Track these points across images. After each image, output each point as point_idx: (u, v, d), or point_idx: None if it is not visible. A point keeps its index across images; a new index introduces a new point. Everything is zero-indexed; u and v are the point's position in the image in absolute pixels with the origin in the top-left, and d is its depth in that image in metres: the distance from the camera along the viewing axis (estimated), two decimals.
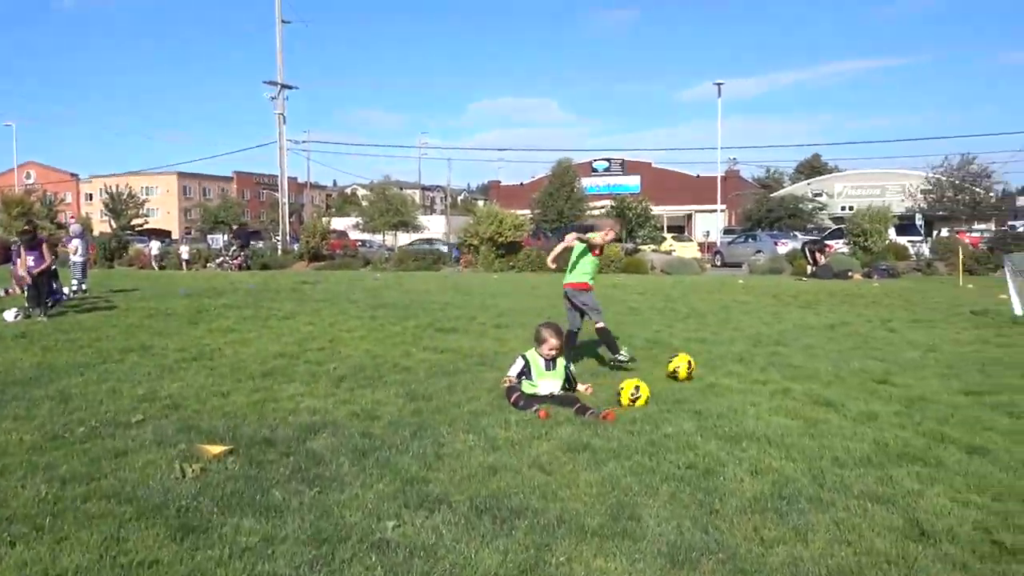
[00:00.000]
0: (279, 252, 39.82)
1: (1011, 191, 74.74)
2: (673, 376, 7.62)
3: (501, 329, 11.55)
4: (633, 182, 66.03)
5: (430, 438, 5.59)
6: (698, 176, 64.38)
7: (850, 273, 25.86)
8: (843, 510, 4.23)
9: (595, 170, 68.58)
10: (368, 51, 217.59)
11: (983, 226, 46.60)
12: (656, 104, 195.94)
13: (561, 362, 6.99)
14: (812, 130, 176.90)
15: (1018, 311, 12.75)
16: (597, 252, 8.46)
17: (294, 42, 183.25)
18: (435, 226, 69.78)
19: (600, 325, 8.28)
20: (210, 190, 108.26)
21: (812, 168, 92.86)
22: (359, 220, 60.64)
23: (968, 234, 39.39)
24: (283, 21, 42.60)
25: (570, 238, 8.56)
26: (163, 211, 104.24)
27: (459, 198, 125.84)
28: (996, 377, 7.83)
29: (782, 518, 4.12)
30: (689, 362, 7.73)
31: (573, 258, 8.52)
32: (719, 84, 47.47)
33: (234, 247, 36.49)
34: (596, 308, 8.33)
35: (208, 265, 36.06)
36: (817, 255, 26.80)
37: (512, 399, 6.60)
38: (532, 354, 6.97)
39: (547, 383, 6.84)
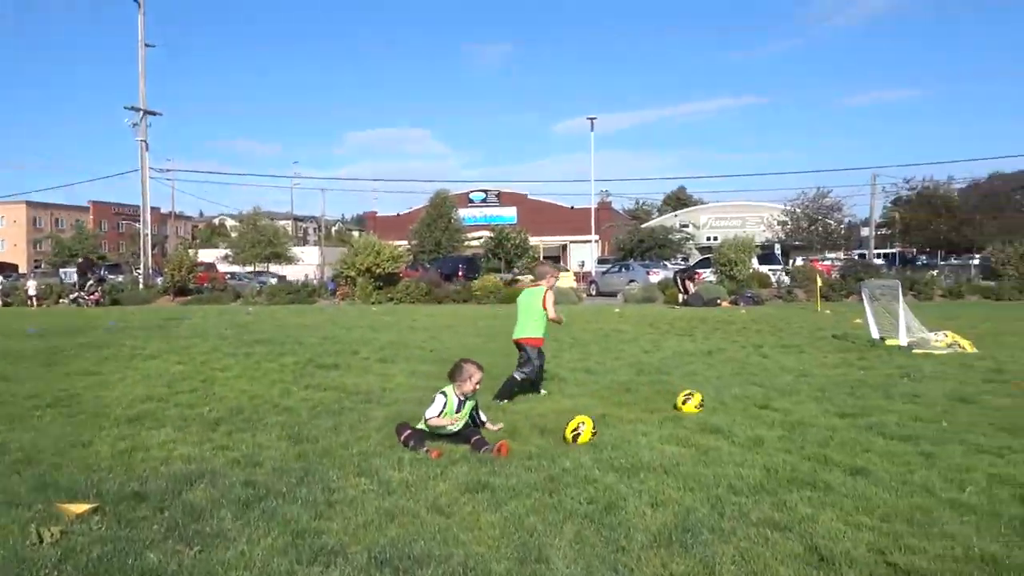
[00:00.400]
0: (141, 286, 37.69)
1: (856, 222, 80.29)
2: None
3: (386, 364, 11.25)
4: (509, 213, 66.80)
5: (319, 484, 5.28)
6: (572, 208, 65.86)
7: (719, 301, 26.93)
8: (745, 539, 4.25)
9: (472, 201, 68.98)
10: (239, 79, 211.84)
11: (834, 255, 49.85)
12: (530, 137, 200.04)
13: (471, 403, 6.76)
14: (678, 164, 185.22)
15: (875, 335, 13.55)
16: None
17: (162, 68, 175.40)
18: (309, 257, 68.17)
19: (520, 377, 8.39)
20: (64, 221, 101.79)
21: (679, 200, 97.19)
22: (228, 252, 58.40)
23: (821, 262, 41.97)
24: (146, 45, 40.78)
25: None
26: (9, 243, 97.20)
27: (333, 229, 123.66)
28: (864, 399, 8.23)
29: (687, 551, 4.09)
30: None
31: (524, 312, 8.67)
32: (592, 119, 48.91)
33: (91, 281, 34.25)
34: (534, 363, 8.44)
35: (61, 301, 33.67)
36: (688, 283, 27.83)
37: (403, 438, 6.35)
38: (450, 391, 6.70)
39: (453, 424, 6.64)
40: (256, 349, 13.03)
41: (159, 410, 7.84)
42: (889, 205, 66.22)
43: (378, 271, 31.05)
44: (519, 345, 8.63)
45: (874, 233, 61.80)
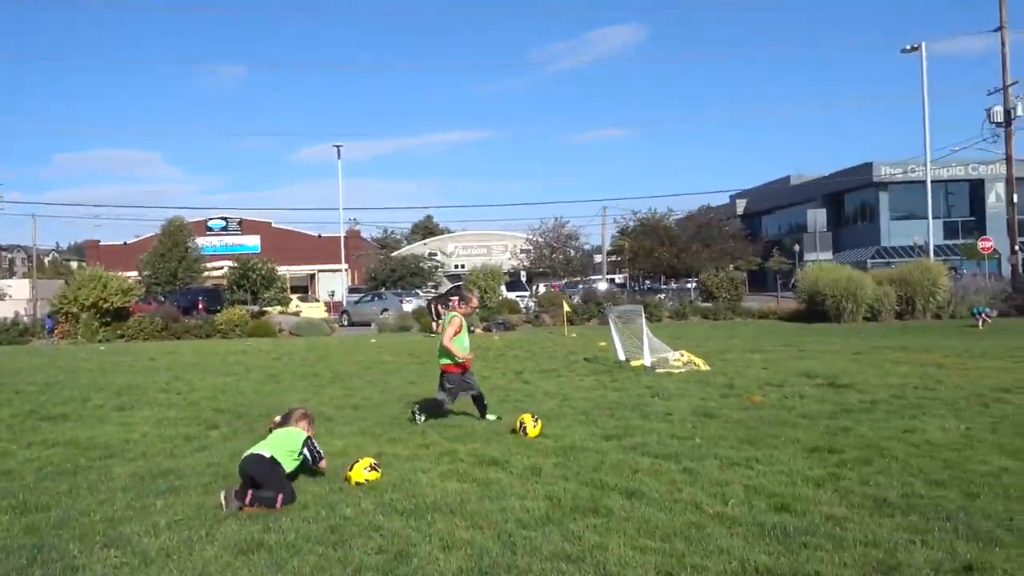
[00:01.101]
0: None
1: (589, 250, 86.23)
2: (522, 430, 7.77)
3: (125, 411, 10.08)
4: (252, 242, 63.79)
5: (58, 562, 4.51)
6: (320, 236, 64.39)
7: (472, 328, 27.49)
8: (540, 574, 4.21)
9: (210, 229, 64.98)
10: None
11: (566, 279, 53.21)
12: (272, 163, 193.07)
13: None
14: (424, 193, 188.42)
15: (620, 356, 14.46)
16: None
17: None
18: (17, 291, 60.25)
19: (441, 398, 8.77)
20: None
21: (426, 229, 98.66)
22: None
23: (558, 288, 44.50)
24: None
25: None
26: None
27: (47, 259, 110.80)
28: (624, 420, 8.67)
29: None
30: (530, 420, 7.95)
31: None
32: (338, 146, 48.19)
33: None
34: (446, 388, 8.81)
35: None
36: (442, 310, 28.12)
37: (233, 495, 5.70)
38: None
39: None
40: None
41: None
42: (616, 235, 72.09)
43: (105, 306, 28.09)
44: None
45: (606, 260, 66.87)
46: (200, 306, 34.53)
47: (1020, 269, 34.98)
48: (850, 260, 36.97)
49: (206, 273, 46.53)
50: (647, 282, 57.22)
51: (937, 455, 6.58)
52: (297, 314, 35.86)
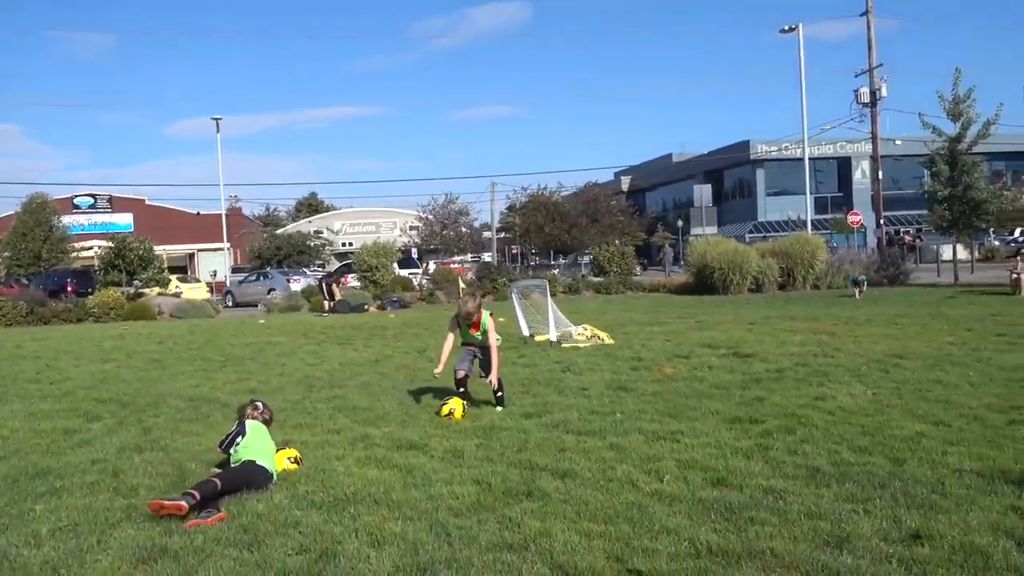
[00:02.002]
0: None
1: (478, 227, 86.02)
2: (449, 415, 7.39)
3: None
4: (125, 220, 60.03)
5: None
6: (198, 213, 61.37)
7: (366, 306, 26.79)
8: (486, 568, 3.90)
9: (77, 207, 60.73)
10: None
11: (463, 257, 52.86)
12: (142, 138, 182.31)
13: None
14: (306, 169, 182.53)
15: (525, 332, 14.27)
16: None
17: None
18: None
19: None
20: None
21: (310, 206, 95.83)
22: None
23: (451, 265, 44.11)
24: None
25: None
26: None
27: None
28: (540, 396, 8.45)
29: None
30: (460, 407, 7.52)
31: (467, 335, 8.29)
32: (217, 119, 45.92)
33: None
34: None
35: None
36: (334, 287, 27.23)
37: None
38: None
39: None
40: None
41: None
42: (505, 212, 72.21)
43: None
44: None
45: (495, 236, 66.82)
46: (69, 289, 32.21)
47: (885, 242, 37.17)
48: (730, 235, 38.17)
49: (75, 254, 43.50)
50: (535, 258, 57.56)
51: (854, 421, 6.66)
52: (177, 295, 34.01)
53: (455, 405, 7.48)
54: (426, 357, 12.25)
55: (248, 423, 5.72)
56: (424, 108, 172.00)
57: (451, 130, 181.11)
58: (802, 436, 6.22)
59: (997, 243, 45.15)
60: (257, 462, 5.37)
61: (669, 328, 15.30)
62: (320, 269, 48.61)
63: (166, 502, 4.74)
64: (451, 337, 8.31)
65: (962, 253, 30.28)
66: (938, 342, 11.37)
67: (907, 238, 47.24)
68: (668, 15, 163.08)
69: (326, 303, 26.46)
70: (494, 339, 8.06)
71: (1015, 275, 20.19)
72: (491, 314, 8.27)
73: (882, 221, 39.79)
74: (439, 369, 8.16)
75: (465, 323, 8.17)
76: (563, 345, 12.88)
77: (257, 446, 5.53)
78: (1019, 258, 20.77)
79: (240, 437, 5.53)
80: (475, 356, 8.17)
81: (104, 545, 4.39)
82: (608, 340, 13.20)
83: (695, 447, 6.02)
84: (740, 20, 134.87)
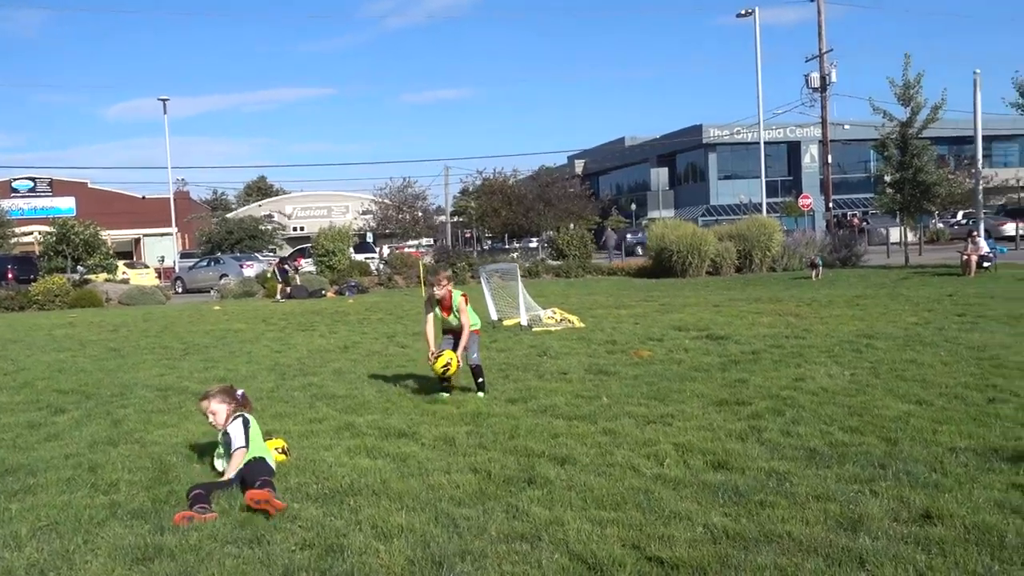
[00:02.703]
0: None
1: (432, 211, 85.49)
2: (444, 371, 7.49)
3: None
4: (67, 204, 58.09)
5: None
6: (144, 197, 59.71)
7: (323, 292, 26.38)
8: (503, 559, 3.79)
9: (16, 190, 58.66)
10: None
11: (425, 241, 52.40)
12: (82, 119, 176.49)
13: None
14: (254, 152, 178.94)
15: (493, 316, 14.15)
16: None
17: None
18: None
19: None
20: None
21: (260, 190, 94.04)
22: None
23: (407, 249, 43.65)
24: None
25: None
26: None
27: None
28: (521, 381, 8.35)
29: None
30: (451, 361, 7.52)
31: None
32: (164, 100, 44.55)
33: None
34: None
35: None
36: (289, 272, 26.68)
37: (191, 495, 4.74)
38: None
39: (223, 463, 5.31)
40: None
41: None
42: (458, 195, 71.72)
43: None
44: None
45: (450, 221, 66.38)
46: (9, 276, 31.05)
47: (834, 225, 37.89)
48: (683, 218, 38.56)
49: (15, 239, 41.95)
50: (488, 242, 57.35)
51: (839, 402, 6.70)
52: (125, 282, 33.06)
53: (450, 357, 7.46)
54: (396, 343, 12.08)
55: (250, 417, 5.44)
56: (375, 91, 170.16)
57: (403, 113, 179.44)
58: (792, 417, 6.23)
59: (941, 226, 46.36)
60: (265, 460, 5.16)
61: (636, 311, 15.33)
62: (272, 254, 47.71)
63: (196, 514, 4.48)
64: (431, 319, 8.07)
65: (908, 235, 30.93)
66: (903, 322, 11.58)
67: (855, 221, 48.21)
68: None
69: (281, 288, 25.93)
70: (467, 320, 7.76)
71: (965, 256, 20.71)
72: (463, 296, 7.92)
73: (831, 204, 40.63)
74: (433, 349, 7.78)
75: (437, 306, 7.92)
76: (534, 329, 12.81)
77: (259, 441, 5.33)
78: (969, 240, 21.28)
79: (248, 430, 5.28)
80: (454, 345, 7.86)
81: (92, 545, 4.18)
82: (579, 324, 13.16)
83: (688, 430, 5.99)
84: (688, 5, 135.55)
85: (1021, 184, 53.07)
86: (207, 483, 4.95)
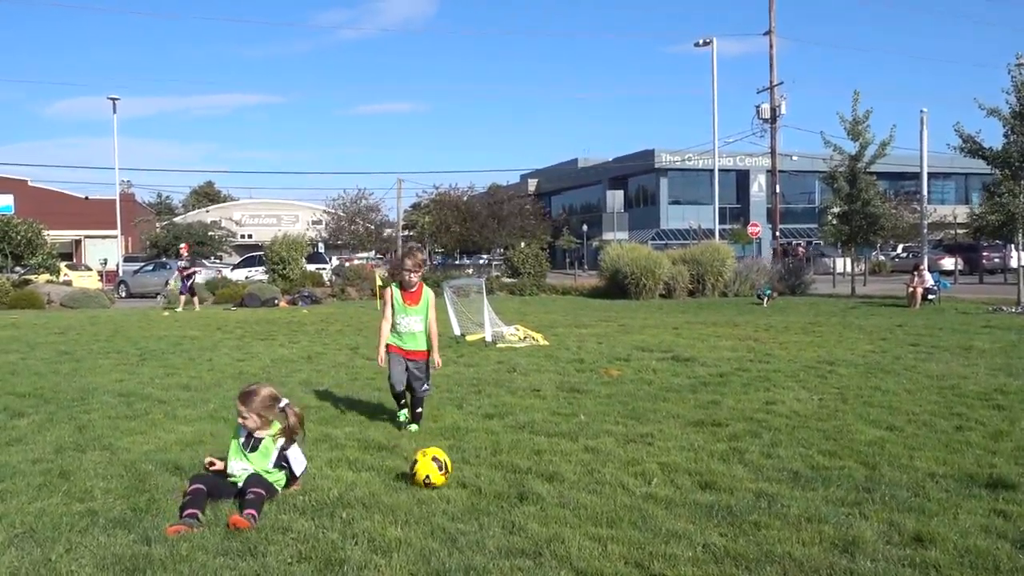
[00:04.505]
0: None
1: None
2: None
3: None
4: (4, 202, 56.21)
5: None
6: (87, 198, 58.14)
7: (276, 301, 25.96)
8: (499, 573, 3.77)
9: None
10: None
11: (367, 254, 52.00)
12: (18, 116, 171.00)
13: (271, 443, 5.03)
14: (201, 157, 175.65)
15: (456, 331, 14.09)
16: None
17: None
18: None
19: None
20: None
21: (207, 195, 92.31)
22: None
23: (357, 261, 43.24)
24: None
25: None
26: None
27: None
28: (494, 397, 8.31)
29: None
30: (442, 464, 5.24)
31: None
32: (114, 99, 43.51)
33: None
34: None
35: None
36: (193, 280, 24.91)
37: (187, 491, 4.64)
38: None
39: (239, 465, 4.96)
40: None
41: None
42: (409, 209, 71.45)
43: None
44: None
45: (401, 235, 66.07)
46: None
47: (781, 253, 38.81)
48: (634, 241, 39.06)
49: None
50: (439, 257, 57.20)
51: (812, 426, 6.83)
52: (67, 284, 32.03)
53: (428, 471, 5.12)
54: (360, 355, 11.94)
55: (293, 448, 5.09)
56: (326, 100, 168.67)
57: (355, 125, 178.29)
58: (770, 440, 6.33)
59: (883, 257, 47.84)
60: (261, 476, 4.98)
61: (597, 331, 15.43)
62: (218, 261, 46.73)
63: (186, 527, 4.33)
64: (389, 314, 6.91)
65: (853, 266, 31.84)
66: (860, 350, 11.88)
67: (800, 250, 49.41)
68: (571, 21, 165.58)
69: (185, 299, 24.08)
70: (433, 319, 6.96)
71: (911, 288, 21.38)
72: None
73: (778, 233, 41.61)
74: (381, 355, 6.95)
75: (400, 293, 6.86)
76: (498, 345, 12.79)
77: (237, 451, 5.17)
78: (915, 273, 21.98)
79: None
80: (406, 367, 6.84)
81: (75, 554, 4.02)
82: (543, 341, 13.19)
83: (671, 450, 6.04)
84: (646, 33, 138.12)
85: (958, 220, 55.10)
86: (208, 478, 4.85)
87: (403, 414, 6.88)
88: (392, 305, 6.92)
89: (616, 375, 9.65)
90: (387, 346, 6.92)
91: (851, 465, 5.60)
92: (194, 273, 25.41)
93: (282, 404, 5.13)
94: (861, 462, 5.67)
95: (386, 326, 6.94)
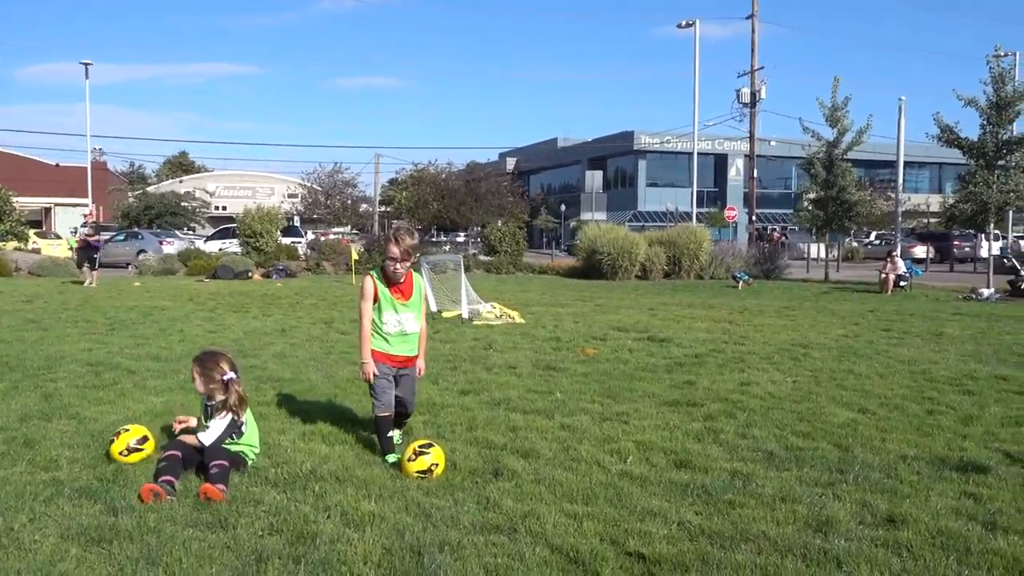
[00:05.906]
0: None
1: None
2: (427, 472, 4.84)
3: None
4: None
5: None
6: (57, 165, 57.04)
7: (250, 274, 25.69)
8: (483, 551, 3.72)
9: None
10: None
11: (343, 229, 51.61)
12: None
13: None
14: (176, 126, 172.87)
15: (432, 307, 14.00)
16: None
17: None
18: None
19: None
20: None
21: (181, 166, 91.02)
22: None
23: (332, 236, 42.84)
24: None
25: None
26: None
27: None
28: (469, 373, 8.27)
29: None
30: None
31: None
32: (87, 64, 42.60)
33: None
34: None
35: None
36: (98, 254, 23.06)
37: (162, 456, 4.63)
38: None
39: (201, 433, 4.91)
40: None
41: None
42: (386, 185, 70.91)
43: None
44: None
45: (378, 210, 65.59)
46: None
47: (756, 237, 39.06)
48: (612, 222, 39.12)
49: None
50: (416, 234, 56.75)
51: (786, 408, 6.86)
52: (36, 252, 31.46)
53: (436, 460, 4.81)
54: (335, 329, 11.84)
55: (245, 419, 5.03)
56: (304, 73, 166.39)
57: (334, 98, 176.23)
58: (745, 420, 6.34)
59: (856, 244, 48.27)
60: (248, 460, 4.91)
61: (573, 310, 15.43)
62: (191, 232, 46.11)
63: (162, 492, 4.28)
64: (369, 311, 5.29)
65: (827, 252, 32.11)
66: (833, 334, 11.97)
67: (775, 235, 49.75)
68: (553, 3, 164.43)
69: (91, 274, 20.90)
70: (424, 317, 5.57)
71: (884, 275, 21.59)
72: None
73: (754, 217, 41.84)
74: (370, 365, 5.25)
75: (386, 289, 5.25)
76: (474, 322, 12.74)
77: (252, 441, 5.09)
78: (888, 260, 22.19)
79: (235, 435, 4.96)
80: (395, 381, 5.36)
81: (39, 524, 3.93)
82: (519, 319, 13.16)
83: (646, 429, 6.03)
84: (629, 14, 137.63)
85: (931, 209, 55.77)
86: (185, 445, 4.77)
87: (393, 456, 5.08)
88: (377, 300, 5.27)
89: (592, 354, 9.64)
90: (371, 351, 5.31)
91: (824, 446, 5.63)
92: (99, 243, 22.99)
93: (227, 376, 4.97)
94: (834, 444, 5.70)
95: (367, 323, 5.30)
